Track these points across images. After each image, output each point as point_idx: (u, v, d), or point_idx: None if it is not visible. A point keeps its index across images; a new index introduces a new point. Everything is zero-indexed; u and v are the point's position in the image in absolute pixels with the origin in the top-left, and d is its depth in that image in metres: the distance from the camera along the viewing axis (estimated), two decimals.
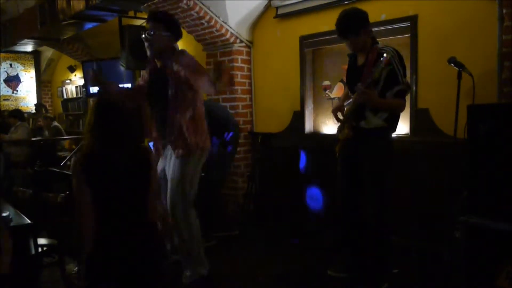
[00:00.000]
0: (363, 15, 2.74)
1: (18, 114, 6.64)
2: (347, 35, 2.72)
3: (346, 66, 3.04)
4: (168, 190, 2.78)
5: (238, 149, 4.83)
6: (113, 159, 1.83)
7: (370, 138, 2.81)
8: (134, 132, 1.87)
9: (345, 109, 2.95)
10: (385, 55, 2.54)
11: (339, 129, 2.99)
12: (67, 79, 8.83)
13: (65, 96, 8.91)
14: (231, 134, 4.09)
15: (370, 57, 2.66)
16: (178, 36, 2.86)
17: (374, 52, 2.66)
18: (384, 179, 2.83)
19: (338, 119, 2.97)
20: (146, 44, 2.76)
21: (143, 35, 2.76)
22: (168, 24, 2.77)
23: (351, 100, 2.86)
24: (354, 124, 2.83)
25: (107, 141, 1.83)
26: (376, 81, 2.62)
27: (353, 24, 2.68)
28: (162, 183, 2.85)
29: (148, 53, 2.80)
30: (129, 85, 6.16)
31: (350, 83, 2.88)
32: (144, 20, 5.73)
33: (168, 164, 2.84)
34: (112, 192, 1.82)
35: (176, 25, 2.84)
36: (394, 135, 3.69)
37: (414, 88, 3.57)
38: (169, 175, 2.80)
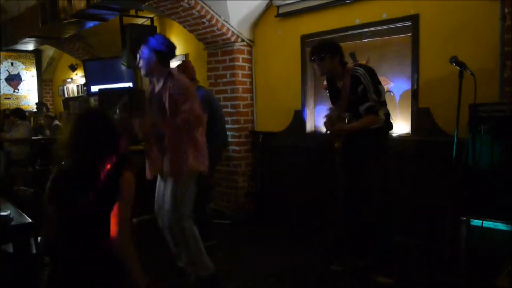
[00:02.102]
0: (332, 45, 3.07)
1: (19, 113, 6.65)
2: (312, 59, 3.07)
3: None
4: (166, 205, 2.85)
5: (239, 148, 4.84)
6: (78, 176, 1.82)
7: (365, 138, 2.97)
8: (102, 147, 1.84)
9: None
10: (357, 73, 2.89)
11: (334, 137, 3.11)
12: (68, 78, 8.83)
13: (66, 95, 8.91)
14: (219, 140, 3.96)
15: (345, 81, 2.96)
16: (169, 56, 2.90)
17: (348, 75, 2.95)
18: (388, 174, 3.00)
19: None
20: (139, 64, 2.88)
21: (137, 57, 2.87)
22: (156, 45, 2.81)
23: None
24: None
25: (77, 157, 1.83)
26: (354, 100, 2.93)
27: (319, 51, 3.02)
28: (162, 196, 2.93)
29: (142, 73, 2.94)
30: (130, 84, 6.18)
31: (331, 98, 3.22)
32: (145, 19, 5.75)
33: (164, 182, 2.91)
34: (70, 209, 1.81)
35: (166, 46, 2.86)
36: (394, 134, 3.71)
37: (415, 87, 3.57)
38: (167, 190, 2.86)
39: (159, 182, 3.01)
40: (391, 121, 3.07)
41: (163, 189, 2.94)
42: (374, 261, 3.05)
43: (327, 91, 3.27)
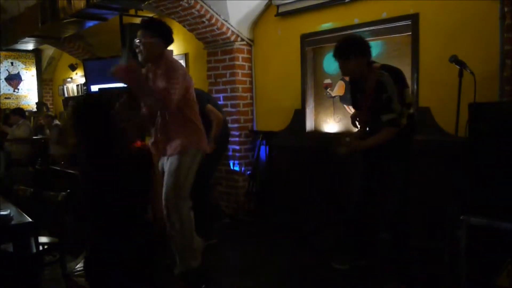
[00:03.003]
0: (361, 42, 2.80)
1: (20, 112, 6.66)
2: (338, 57, 2.82)
3: None
4: (164, 185, 2.83)
5: (239, 147, 4.84)
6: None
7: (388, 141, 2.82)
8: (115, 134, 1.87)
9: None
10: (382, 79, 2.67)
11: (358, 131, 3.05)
12: (68, 78, 8.83)
13: (66, 95, 8.90)
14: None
15: (369, 85, 2.74)
16: (168, 41, 2.87)
17: (373, 80, 2.73)
18: (403, 179, 2.86)
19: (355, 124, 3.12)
20: (136, 51, 2.82)
21: (134, 43, 2.81)
22: (155, 30, 2.80)
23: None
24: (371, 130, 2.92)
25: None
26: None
27: (344, 50, 2.77)
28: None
29: (139, 59, 2.85)
30: None
31: (353, 99, 3.04)
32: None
33: (166, 161, 2.90)
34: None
35: (164, 31, 2.85)
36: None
37: (415, 86, 3.56)
38: (166, 170, 2.87)
39: (160, 168, 2.98)
40: (415, 123, 2.93)
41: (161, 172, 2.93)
42: (383, 265, 2.95)
43: (349, 92, 3.08)
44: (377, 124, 2.80)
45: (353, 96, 3.06)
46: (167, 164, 2.86)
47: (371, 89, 2.74)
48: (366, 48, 2.77)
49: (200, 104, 3.83)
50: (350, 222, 3.20)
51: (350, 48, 2.75)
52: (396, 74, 2.74)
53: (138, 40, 2.78)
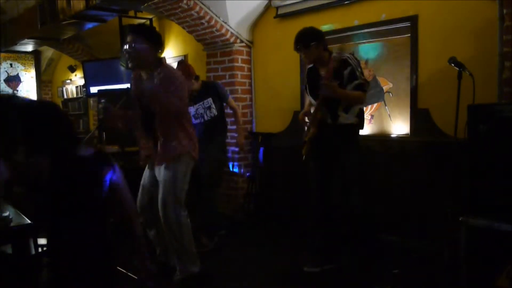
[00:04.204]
0: (315, 31, 3.09)
1: None
2: (298, 48, 3.07)
3: None
4: (160, 192, 2.85)
5: (238, 149, 4.83)
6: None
7: (342, 134, 3.01)
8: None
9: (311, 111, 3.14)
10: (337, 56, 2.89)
11: (306, 131, 3.15)
12: (68, 79, 8.82)
13: (65, 96, 8.90)
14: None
15: (330, 66, 2.92)
16: (158, 46, 2.86)
17: (332, 61, 2.92)
18: (361, 172, 3.05)
19: (305, 122, 3.19)
20: (126, 56, 2.78)
21: (124, 49, 2.78)
22: (145, 35, 2.78)
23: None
24: (330, 122, 3.00)
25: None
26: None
27: (305, 39, 3.03)
28: (149, 187, 2.99)
29: (130, 65, 2.83)
30: (129, 85, 6.16)
31: (313, 92, 3.11)
32: (144, 20, 5.75)
33: (158, 169, 2.91)
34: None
35: (154, 36, 2.85)
36: (394, 135, 3.72)
37: (414, 88, 3.57)
38: (160, 178, 2.88)
39: (145, 177, 3.01)
40: (364, 119, 3.12)
41: (149, 182, 2.97)
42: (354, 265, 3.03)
43: (306, 85, 3.23)
44: (336, 114, 2.96)
45: (310, 85, 3.16)
46: (161, 172, 2.86)
47: (330, 69, 2.89)
48: (321, 35, 3.07)
49: (224, 97, 3.93)
50: (315, 223, 3.26)
51: (308, 36, 3.02)
52: (355, 57, 3.00)
53: (129, 45, 2.74)
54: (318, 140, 3.06)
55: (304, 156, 3.13)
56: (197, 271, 2.93)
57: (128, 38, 2.77)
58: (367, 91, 2.96)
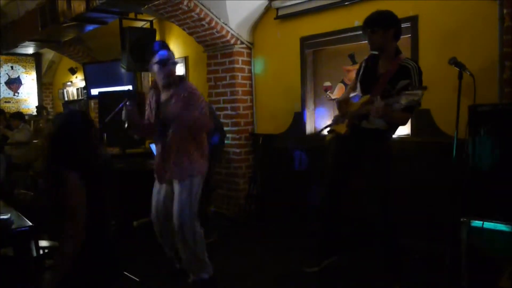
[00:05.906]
0: (395, 16, 2.81)
1: (19, 116, 6.66)
2: (374, 27, 2.75)
3: (347, 67, 3.04)
4: (175, 205, 2.89)
5: (239, 150, 4.84)
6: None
7: (372, 138, 2.86)
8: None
9: (350, 104, 2.97)
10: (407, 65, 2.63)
11: (335, 120, 3.03)
12: (68, 81, 8.84)
13: (66, 98, 8.91)
14: (216, 138, 4.04)
15: (391, 69, 2.69)
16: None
17: (395, 64, 2.69)
18: (389, 179, 2.88)
19: (341, 111, 3.00)
20: (161, 71, 2.88)
21: (157, 62, 2.86)
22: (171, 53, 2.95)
23: (356, 94, 2.93)
24: (357, 123, 2.86)
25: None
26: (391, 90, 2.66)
27: (383, 18, 2.75)
28: (163, 202, 3.03)
29: (162, 80, 2.92)
30: (130, 87, 6.18)
31: (364, 84, 2.88)
32: (145, 22, 5.75)
33: (174, 184, 2.96)
34: None
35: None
36: (395, 135, 3.71)
37: None
38: (176, 192, 2.93)
39: (158, 189, 3.05)
40: (396, 126, 2.97)
41: (163, 195, 3.02)
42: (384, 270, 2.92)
43: (358, 72, 2.96)
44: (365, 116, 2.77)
45: (364, 79, 2.91)
46: (177, 185, 2.91)
47: (391, 72, 2.67)
48: (392, 22, 2.76)
49: (214, 115, 3.94)
50: (318, 217, 3.21)
51: (376, 21, 2.74)
52: (420, 69, 2.70)
53: (165, 60, 2.86)
54: (347, 140, 2.94)
55: (328, 143, 3.03)
56: (207, 278, 2.96)
57: (167, 53, 2.88)
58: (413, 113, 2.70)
